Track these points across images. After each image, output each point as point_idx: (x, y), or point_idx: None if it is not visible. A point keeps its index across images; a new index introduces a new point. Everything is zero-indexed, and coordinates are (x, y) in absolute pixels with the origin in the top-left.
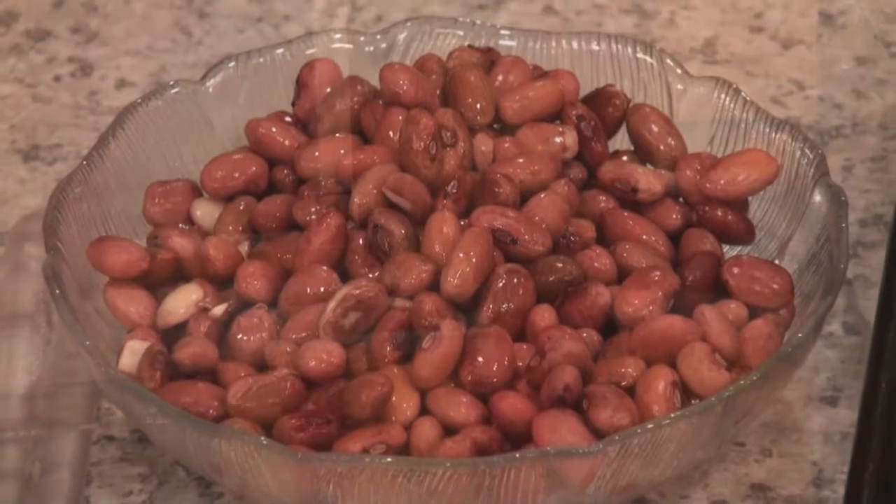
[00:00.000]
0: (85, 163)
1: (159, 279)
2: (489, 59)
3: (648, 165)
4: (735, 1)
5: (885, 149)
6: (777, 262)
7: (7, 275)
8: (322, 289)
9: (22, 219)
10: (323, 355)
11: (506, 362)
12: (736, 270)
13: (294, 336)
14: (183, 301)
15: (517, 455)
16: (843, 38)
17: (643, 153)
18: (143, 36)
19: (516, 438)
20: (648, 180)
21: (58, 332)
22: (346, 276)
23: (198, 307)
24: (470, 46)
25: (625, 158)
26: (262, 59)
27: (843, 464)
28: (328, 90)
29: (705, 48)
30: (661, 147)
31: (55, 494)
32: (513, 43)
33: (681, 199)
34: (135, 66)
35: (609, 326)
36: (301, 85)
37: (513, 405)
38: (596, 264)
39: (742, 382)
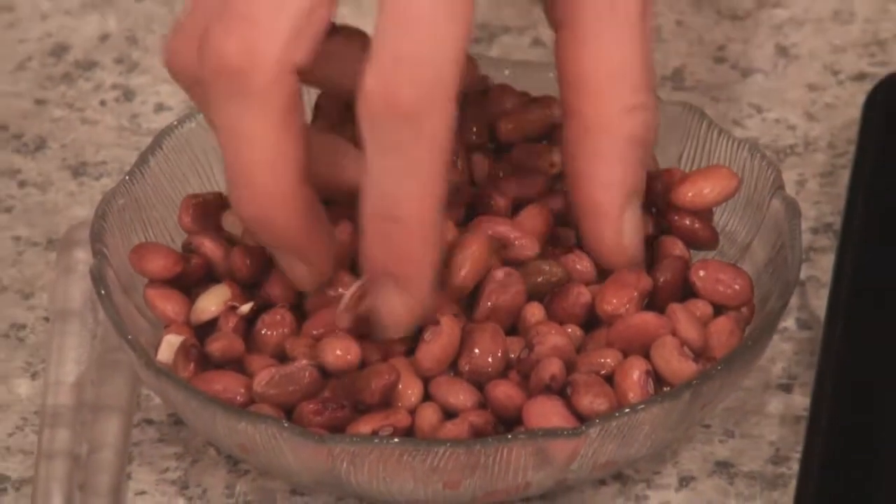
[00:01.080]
0: (127, 178)
1: (192, 281)
2: (483, 87)
3: None
4: (700, 36)
5: (834, 165)
6: (738, 265)
7: (59, 277)
8: (339, 290)
9: (71, 227)
10: (338, 352)
11: (499, 354)
12: (702, 273)
13: (314, 332)
14: (213, 300)
15: (509, 436)
16: (796, 68)
17: None
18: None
19: (508, 421)
20: None
21: (103, 327)
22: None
23: (227, 306)
24: None
25: None
26: None
27: (797, 443)
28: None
29: (674, 76)
30: None
31: (101, 471)
32: (506, 71)
33: (654, 210)
34: (171, 93)
35: (590, 322)
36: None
37: (505, 392)
38: (578, 267)
39: (708, 372)
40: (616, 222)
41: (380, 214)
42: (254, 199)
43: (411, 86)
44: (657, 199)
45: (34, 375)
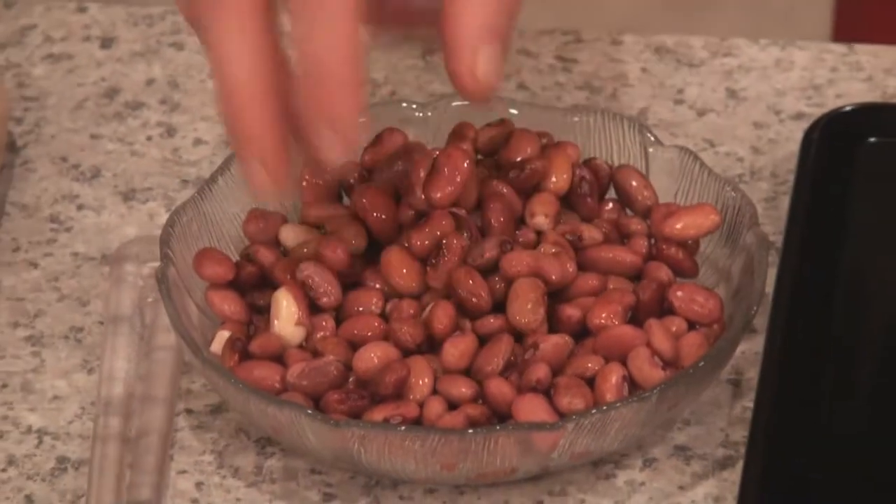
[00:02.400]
0: (197, 194)
1: (248, 285)
2: (506, 131)
3: (628, 210)
4: (662, 81)
5: (776, 192)
6: (719, 286)
7: (111, 287)
8: (375, 300)
9: (122, 244)
10: (368, 355)
11: (500, 357)
12: (680, 294)
13: (349, 332)
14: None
15: (498, 427)
16: (744, 108)
17: (625, 201)
18: (215, 106)
19: (502, 415)
20: (591, 232)
21: (149, 330)
22: None
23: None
24: (488, 124)
25: (610, 206)
26: None
27: (744, 430)
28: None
29: (640, 116)
30: (639, 197)
31: (147, 452)
32: (516, 112)
33: (653, 240)
34: (208, 129)
35: (584, 332)
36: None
37: (499, 389)
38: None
39: (672, 379)
40: (470, 57)
41: (308, 73)
42: (231, 91)
43: None
44: (655, 228)
45: (90, 371)
